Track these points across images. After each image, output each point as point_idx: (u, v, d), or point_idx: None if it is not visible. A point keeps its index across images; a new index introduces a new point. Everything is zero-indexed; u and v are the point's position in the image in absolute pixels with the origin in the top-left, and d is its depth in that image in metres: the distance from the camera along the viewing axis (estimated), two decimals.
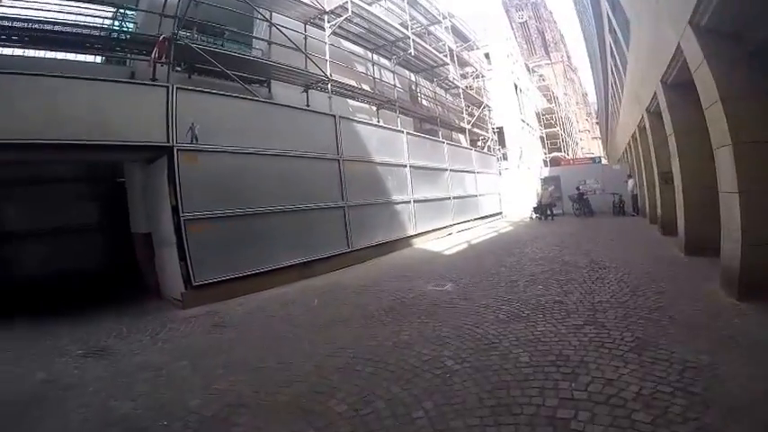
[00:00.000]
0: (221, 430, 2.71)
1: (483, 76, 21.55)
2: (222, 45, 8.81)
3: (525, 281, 5.97)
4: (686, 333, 3.48)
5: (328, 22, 10.15)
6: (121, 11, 8.31)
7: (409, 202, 11.11)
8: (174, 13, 7.26)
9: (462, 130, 17.45)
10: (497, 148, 22.01)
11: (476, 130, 18.85)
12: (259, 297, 6.44)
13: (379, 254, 9.45)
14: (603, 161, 28.50)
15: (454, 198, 13.69)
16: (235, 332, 4.85)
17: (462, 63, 18.48)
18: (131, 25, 8.32)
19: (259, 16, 9.05)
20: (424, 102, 15.94)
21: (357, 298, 5.93)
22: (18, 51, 6.92)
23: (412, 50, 12.62)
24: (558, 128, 37.46)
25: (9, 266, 7.84)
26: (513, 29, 49.91)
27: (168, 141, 6.07)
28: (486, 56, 25.43)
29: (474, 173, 15.98)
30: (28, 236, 8.14)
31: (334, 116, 8.96)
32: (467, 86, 19.63)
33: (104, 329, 5.22)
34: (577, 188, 16.71)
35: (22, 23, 6.59)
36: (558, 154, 36.01)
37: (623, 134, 16.86)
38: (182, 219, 6.07)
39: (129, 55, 7.63)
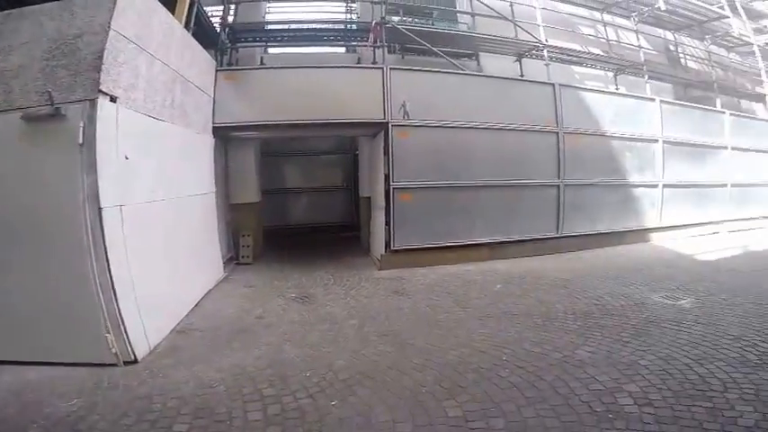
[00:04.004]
0: (338, 396, 2.83)
1: None
2: (432, 24, 9.10)
3: None
4: None
5: None
6: (349, 5, 9.26)
7: (656, 185, 8.81)
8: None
9: (760, 98, 12.47)
10: None
11: None
12: (443, 270, 6.39)
13: (598, 245, 7.96)
14: None
15: (732, 186, 10.06)
16: (408, 302, 4.98)
17: (754, 15, 12.93)
18: (355, 16, 9.17)
19: None
20: (691, 64, 12.08)
21: (546, 292, 5.20)
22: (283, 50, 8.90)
23: (662, 4, 9.63)
24: None
25: (286, 214, 10.67)
26: None
27: (384, 117, 6.75)
28: None
29: None
30: (298, 192, 10.91)
31: (553, 85, 7.91)
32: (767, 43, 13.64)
33: (319, 277, 6.27)
34: None
35: (285, 26, 8.44)
36: None
37: None
38: (391, 186, 6.70)
39: (356, 42, 8.66)
